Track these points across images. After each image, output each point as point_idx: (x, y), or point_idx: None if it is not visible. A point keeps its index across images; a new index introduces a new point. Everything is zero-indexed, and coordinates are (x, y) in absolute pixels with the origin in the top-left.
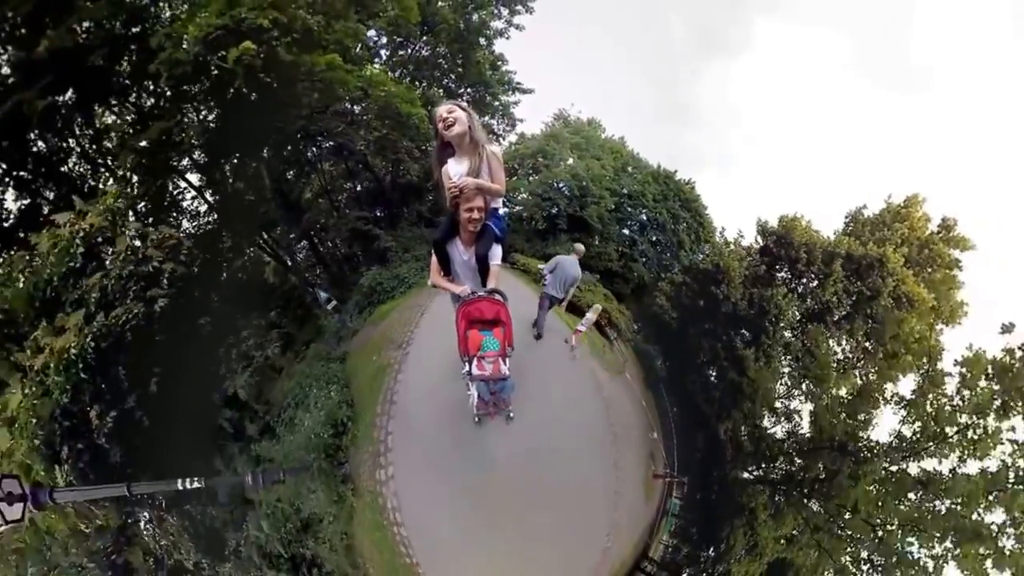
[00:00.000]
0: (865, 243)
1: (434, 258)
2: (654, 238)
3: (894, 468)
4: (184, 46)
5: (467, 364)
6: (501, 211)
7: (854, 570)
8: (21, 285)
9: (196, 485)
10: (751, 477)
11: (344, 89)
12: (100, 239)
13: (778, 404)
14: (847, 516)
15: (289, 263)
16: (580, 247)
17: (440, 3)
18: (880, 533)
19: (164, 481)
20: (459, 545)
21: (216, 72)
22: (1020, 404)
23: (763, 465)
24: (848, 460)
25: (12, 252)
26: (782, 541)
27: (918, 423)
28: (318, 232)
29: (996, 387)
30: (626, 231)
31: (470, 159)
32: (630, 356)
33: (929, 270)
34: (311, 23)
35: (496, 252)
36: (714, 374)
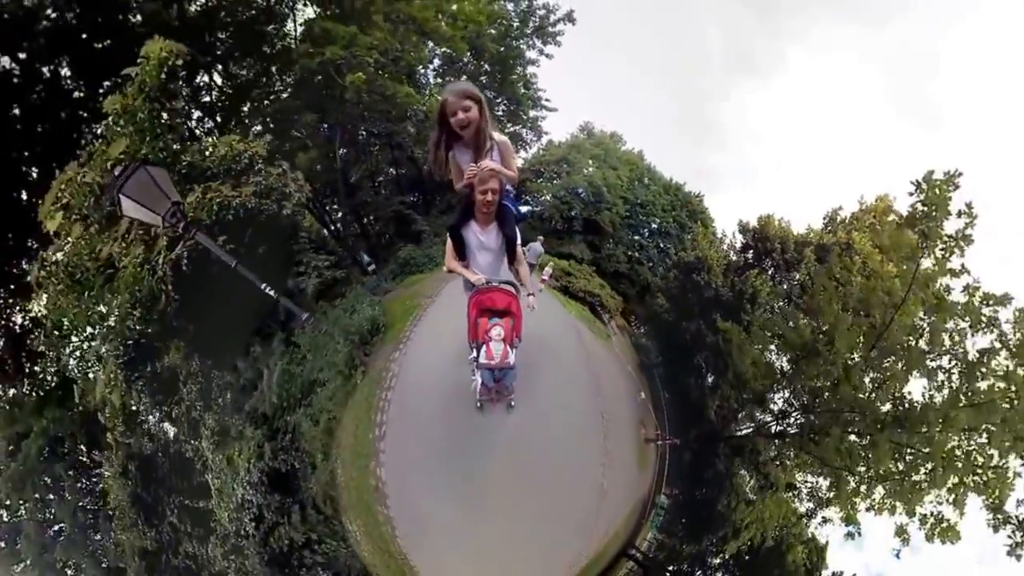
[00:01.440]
0: (836, 233)
1: (449, 243)
2: (661, 244)
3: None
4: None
5: (475, 350)
6: (524, 209)
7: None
8: None
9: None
10: (738, 435)
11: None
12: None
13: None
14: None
15: (333, 228)
16: (540, 239)
17: (485, 33)
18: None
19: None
20: (436, 504)
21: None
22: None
23: (751, 422)
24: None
25: None
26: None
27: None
28: (364, 207)
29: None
30: (636, 237)
31: (479, 148)
32: (625, 342)
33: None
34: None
35: (516, 232)
36: (703, 361)
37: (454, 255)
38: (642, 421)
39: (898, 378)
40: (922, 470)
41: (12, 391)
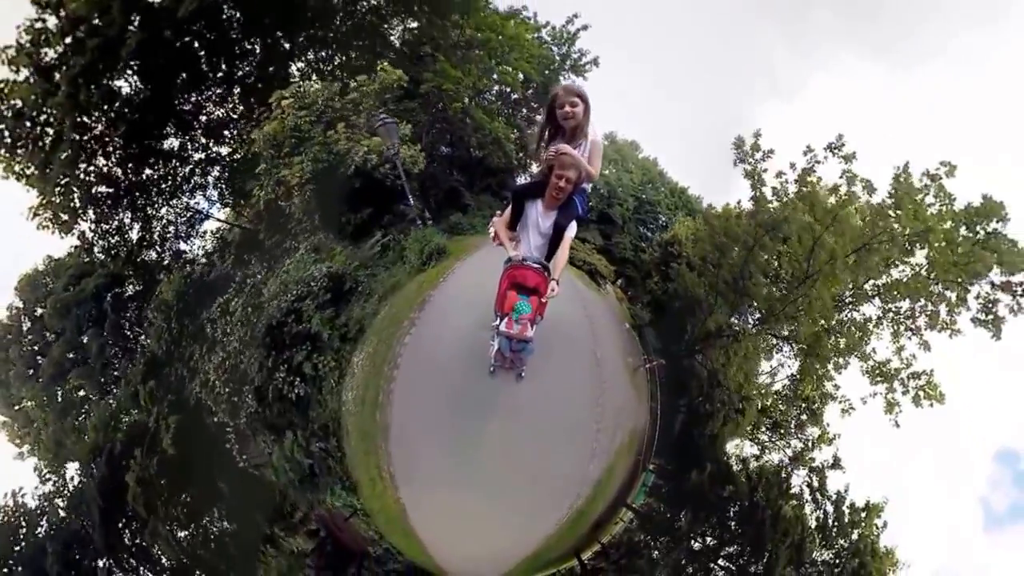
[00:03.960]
0: None
1: (509, 209)
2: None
3: None
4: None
5: (498, 319)
6: (587, 188)
7: None
8: None
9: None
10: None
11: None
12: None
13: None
14: None
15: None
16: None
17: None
18: None
19: None
20: (432, 448)
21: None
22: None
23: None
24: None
25: None
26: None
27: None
28: (429, 179)
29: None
30: (643, 229)
31: (573, 141)
32: (615, 300)
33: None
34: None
35: (572, 226)
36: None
37: (507, 222)
38: (629, 352)
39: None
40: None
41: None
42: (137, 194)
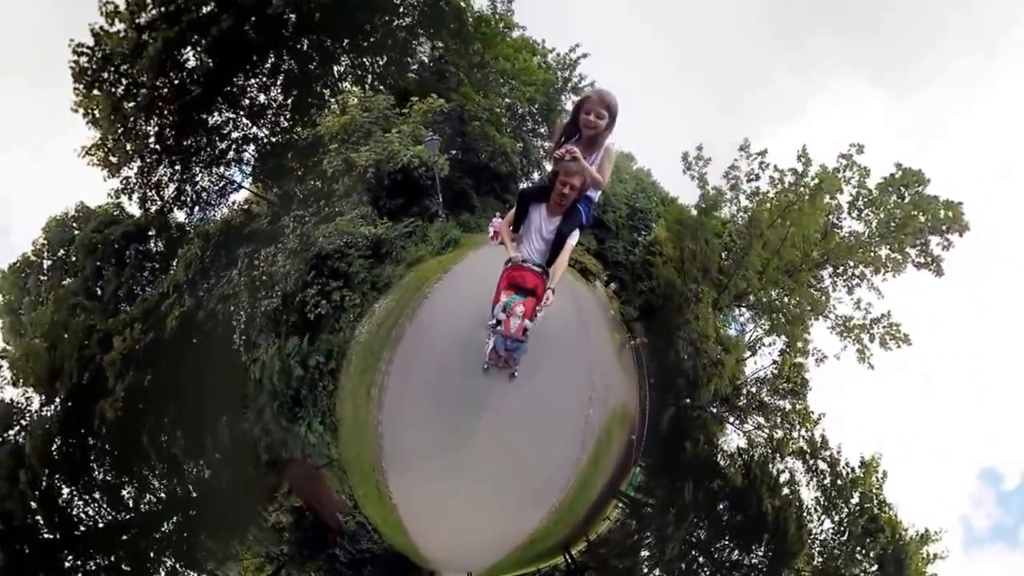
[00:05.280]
0: None
1: (514, 210)
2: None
3: None
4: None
5: (494, 318)
6: (594, 197)
7: None
8: None
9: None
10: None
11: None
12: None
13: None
14: None
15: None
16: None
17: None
18: None
19: None
20: (424, 437)
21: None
22: None
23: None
24: None
25: None
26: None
27: None
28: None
29: None
30: (634, 235)
31: (589, 149)
32: (604, 294)
33: None
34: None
35: (575, 234)
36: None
37: (511, 223)
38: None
39: None
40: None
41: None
42: (179, 156)
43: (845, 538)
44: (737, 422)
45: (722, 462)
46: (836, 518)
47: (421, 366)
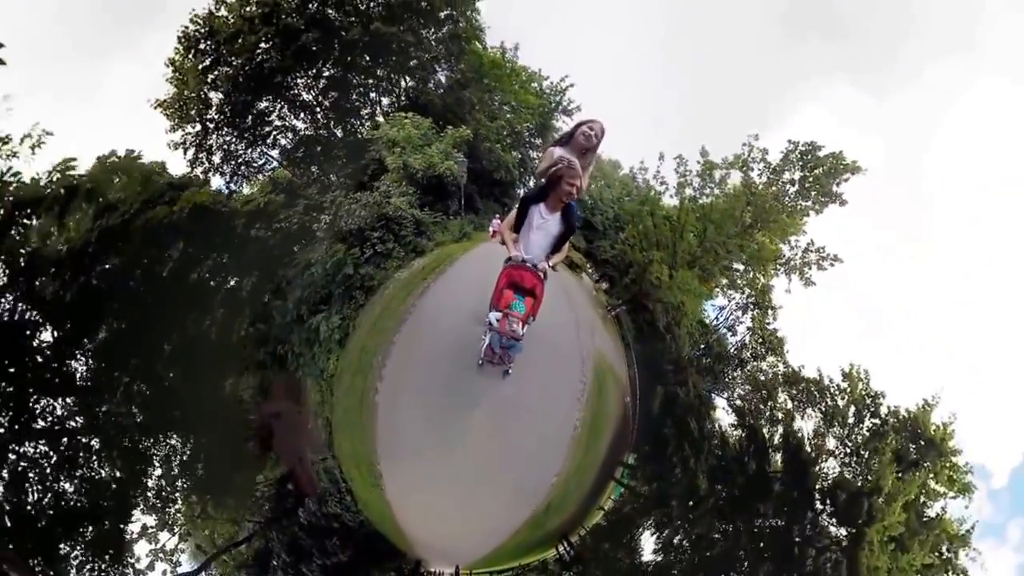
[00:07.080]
0: None
1: (515, 212)
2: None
3: None
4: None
5: (492, 316)
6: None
7: None
8: None
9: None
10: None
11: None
12: None
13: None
14: None
15: None
16: None
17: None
18: None
19: None
20: (417, 427)
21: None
22: None
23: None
24: None
25: None
26: None
27: None
28: None
29: None
30: (620, 234)
31: (581, 160)
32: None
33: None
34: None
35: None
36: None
37: (512, 225)
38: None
39: None
40: None
41: None
42: (233, 130)
43: (859, 444)
44: (726, 396)
45: (718, 428)
46: (841, 433)
47: (417, 360)
